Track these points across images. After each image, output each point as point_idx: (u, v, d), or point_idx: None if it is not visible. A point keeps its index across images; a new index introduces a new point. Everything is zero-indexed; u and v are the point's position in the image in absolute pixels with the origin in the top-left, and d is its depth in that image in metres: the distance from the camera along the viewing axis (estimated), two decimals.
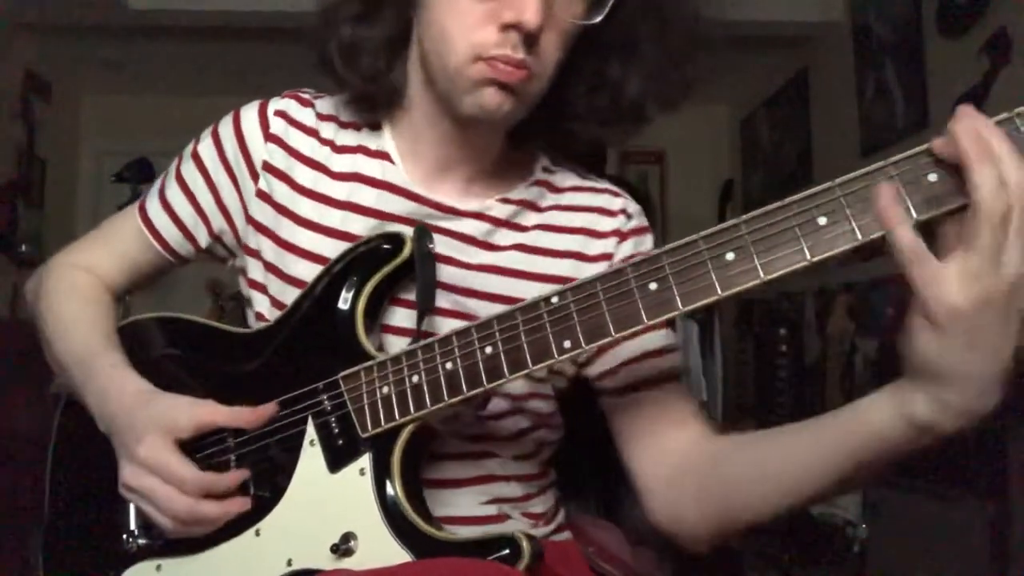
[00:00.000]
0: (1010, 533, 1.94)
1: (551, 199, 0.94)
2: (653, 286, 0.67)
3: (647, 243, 0.96)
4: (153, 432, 0.77)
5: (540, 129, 0.91)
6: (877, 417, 0.64)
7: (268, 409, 0.80)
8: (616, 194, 0.97)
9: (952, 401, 0.59)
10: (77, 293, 0.95)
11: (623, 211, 0.95)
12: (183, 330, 0.93)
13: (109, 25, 3.72)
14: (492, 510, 0.88)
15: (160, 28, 3.77)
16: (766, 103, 4.49)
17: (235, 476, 0.80)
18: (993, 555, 1.97)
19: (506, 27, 0.76)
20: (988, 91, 2.60)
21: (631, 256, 0.91)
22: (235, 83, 4.17)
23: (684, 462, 0.84)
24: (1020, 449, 1.94)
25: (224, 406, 0.80)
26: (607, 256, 0.92)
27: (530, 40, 0.76)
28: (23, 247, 3.96)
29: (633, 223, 0.95)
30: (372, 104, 0.90)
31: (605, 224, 0.93)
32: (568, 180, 0.96)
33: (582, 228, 0.92)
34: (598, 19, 0.80)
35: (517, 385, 0.87)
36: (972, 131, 0.57)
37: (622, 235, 0.93)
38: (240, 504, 0.79)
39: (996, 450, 1.97)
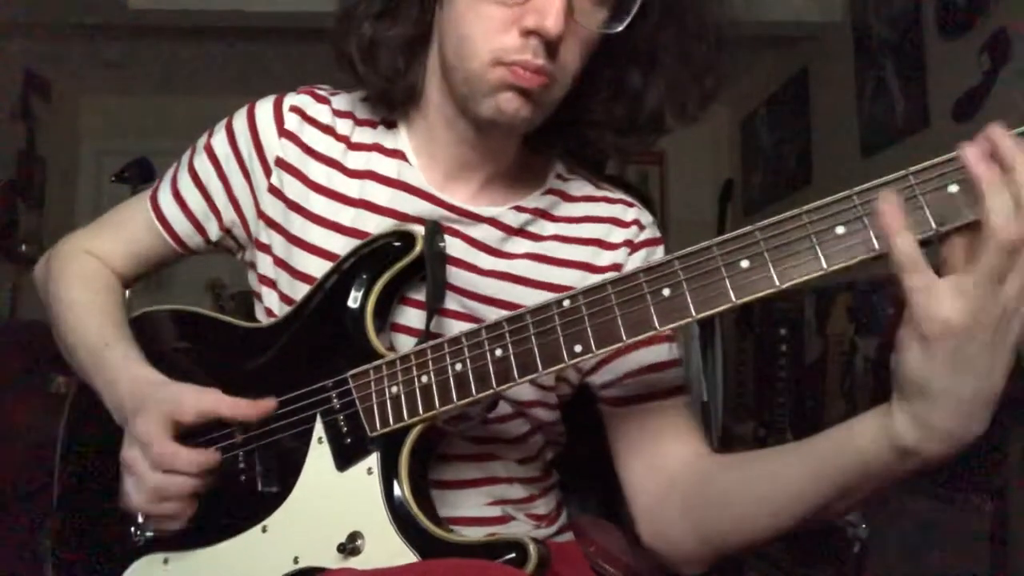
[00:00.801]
0: (1010, 533, 1.94)
1: (564, 209, 0.93)
2: (666, 292, 0.66)
3: (658, 254, 0.95)
4: (154, 411, 0.77)
5: (557, 135, 0.91)
6: (861, 439, 0.63)
7: (268, 404, 0.79)
8: (630, 204, 0.96)
9: (936, 424, 0.58)
10: (88, 280, 0.95)
11: (636, 222, 0.94)
12: (194, 323, 0.93)
13: (109, 25, 3.71)
14: (496, 511, 0.89)
15: (160, 28, 3.76)
16: (766, 103, 4.49)
17: (209, 455, 0.77)
18: (993, 555, 1.97)
19: (527, 33, 0.76)
20: (988, 91, 2.60)
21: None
22: (235, 83, 4.18)
23: (673, 479, 0.84)
24: (1020, 449, 1.94)
25: (228, 397, 0.78)
26: (616, 267, 0.91)
27: (551, 47, 0.76)
28: (23, 247, 3.96)
29: (645, 234, 0.94)
30: (389, 102, 0.90)
31: (617, 235, 0.93)
32: (582, 189, 0.96)
33: (593, 239, 0.92)
34: (619, 28, 0.80)
35: (523, 391, 0.87)
36: (986, 153, 0.56)
37: (633, 246, 0.93)
38: (195, 482, 0.76)
39: (996, 450, 1.97)
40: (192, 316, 0.94)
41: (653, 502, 0.85)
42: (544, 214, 0.92)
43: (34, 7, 3.44)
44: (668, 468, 0.85)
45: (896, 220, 0.57)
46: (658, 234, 0.96)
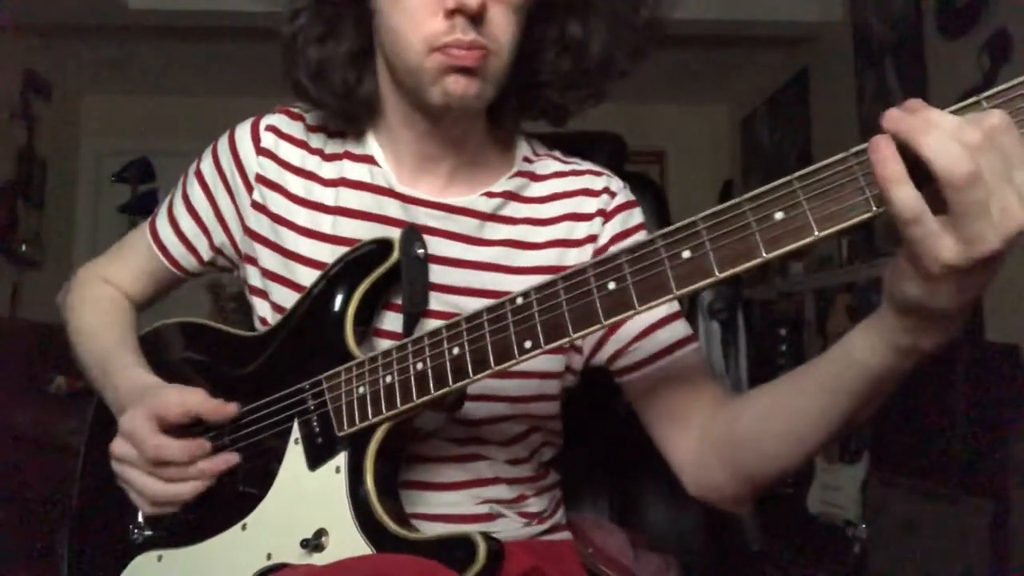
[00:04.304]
0: (1010, 533, 1.94)
1: (534, 189, 0.94)
2: (611, 285, 0.67)
3: (635, 217, 0.96)
4: (140, 408, 0.82)
5: (516, 106, 0.93)
6: (867, 351, 0.66)
7: (230, 408, 0.84)
8: (598, 173, 0.97)
9: (939, 328, 0.61)
10: (97, 304, 1.01)
11: (606, 190, 0.95)
12: (198, 334, 0.98)
13: (109, 25, 3.73)
14: (484, 509, 0.89)
15: (160, 28, 3.77)
16: (766, 103, 4.49)
17: (198, 445, 0.81)
18: (993, 555, 1.96)
19: (451, 13, 0.78)
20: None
21: (619, 234, 0.93)
22: (235, 83, 4.18)
23: (703, 429, 0.86)
24: (1020, 449, 1.94)
25: (209, 398, 0.83)
26: (592, 238, 0.92)
27: (476, 19, 0.78)
28: (23, 247, 3.97)
29: (617, 200, 0.95)
30: (351, 117, 0.92)
31: (589, 205, 0.94)
32: (549, 167, 0.97)
33: (567, 214, 0.93)
34: None
35: (523, 386, 0.87)
36: (897, 117, 0.55)
37: (606, 215, 0.94)
38: (204, 461, 0.81)
39: (996, 450, 1.97)
40: (198, 327, 0.98)
41: (690, 456, 0.87)
42: (515, 196, 0.93)
43: (34, 7, 3.45)
44: (695, 420, 0.87)
45: (893, 170, 0.54)
46: (631, 197, 0.97)
